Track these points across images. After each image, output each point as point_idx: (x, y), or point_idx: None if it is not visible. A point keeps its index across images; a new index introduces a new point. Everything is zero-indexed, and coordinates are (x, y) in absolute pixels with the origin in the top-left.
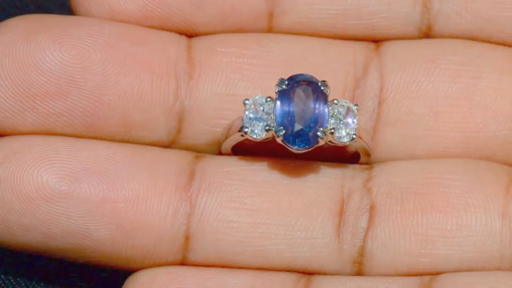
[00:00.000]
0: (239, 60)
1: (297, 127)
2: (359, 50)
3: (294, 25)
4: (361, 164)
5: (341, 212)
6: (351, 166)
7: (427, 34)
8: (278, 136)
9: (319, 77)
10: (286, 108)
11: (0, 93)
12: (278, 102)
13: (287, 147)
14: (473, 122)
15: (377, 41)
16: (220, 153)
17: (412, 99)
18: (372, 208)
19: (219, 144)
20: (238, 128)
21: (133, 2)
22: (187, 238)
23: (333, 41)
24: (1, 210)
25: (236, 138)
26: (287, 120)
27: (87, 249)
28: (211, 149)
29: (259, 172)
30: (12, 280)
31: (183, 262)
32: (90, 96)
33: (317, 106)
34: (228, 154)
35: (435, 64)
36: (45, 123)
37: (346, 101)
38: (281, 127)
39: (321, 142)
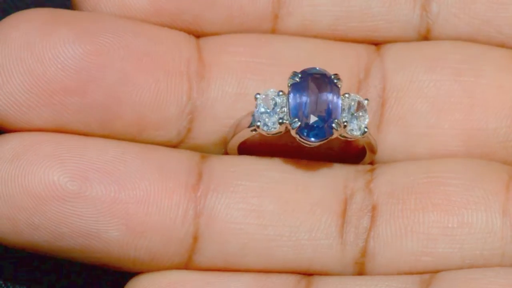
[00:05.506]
0: (249, 59)
1: (312, 118)
2: (361, 51)
3: (296, 27)
4: (364, 164)
5: (344, 213)
6: (354, 167)
7: (426, 37)
8: (292, 129)
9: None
10: (299, 100)
11: (19, 87)
12: (292, 95)
13: (301, 139)
14: (474, 120)
15: (377, 43)
16: (225, 153)
17: (414, 98)
18: (374, 208)
19: (225, 143)
20: (247, 124)
21: None
22: (195, 239)
23: (336, 43)
24: (10, 209)
25: (245, 134)
26: (301, 113)
27: (95, 250)
28: (216, 150)
29: (266, 172)
30: (15, 285)
31: (187, 265)
32: (107, 93)
33: (330, 98)
34: (233, 154)
35: (436, 63)
36: (60, 119)
37: (357, 95)
38: (296, 119)
39: (336, 134)
